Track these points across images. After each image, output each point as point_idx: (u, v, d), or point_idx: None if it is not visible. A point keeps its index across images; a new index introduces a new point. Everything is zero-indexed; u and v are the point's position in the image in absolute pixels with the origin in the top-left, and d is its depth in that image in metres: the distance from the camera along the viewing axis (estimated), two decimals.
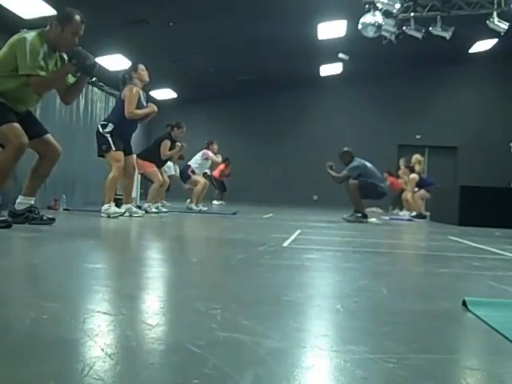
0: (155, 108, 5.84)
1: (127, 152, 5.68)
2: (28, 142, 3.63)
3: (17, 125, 3.62)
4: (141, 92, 5.79)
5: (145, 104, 5.83)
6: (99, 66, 4.00)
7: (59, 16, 3.80)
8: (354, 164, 7.20)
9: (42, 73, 3.67)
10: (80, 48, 3.86)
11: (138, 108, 5.68)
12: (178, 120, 8.03)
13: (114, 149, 5.50)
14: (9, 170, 3.69)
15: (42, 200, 6.21)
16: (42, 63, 3.68)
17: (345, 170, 7.26)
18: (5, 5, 9.17)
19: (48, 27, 3.79)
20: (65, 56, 3.95)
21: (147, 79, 5.93)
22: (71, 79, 3.99)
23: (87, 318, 1.22)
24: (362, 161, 7.27)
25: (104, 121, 5.79)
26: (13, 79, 3.63)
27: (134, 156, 6.02)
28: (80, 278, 1.89)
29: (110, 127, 5.56)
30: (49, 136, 3.99)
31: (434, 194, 9.70)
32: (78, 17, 3.81)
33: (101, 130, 5.60)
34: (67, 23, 3.77)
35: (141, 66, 5.88)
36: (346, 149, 7.44)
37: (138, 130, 6.06)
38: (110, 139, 5.51)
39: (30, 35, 3.65)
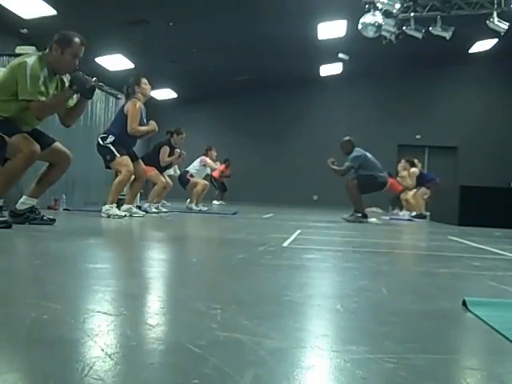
0: (156, 127, 5.88)
1: (134, 158, 5.70)
2: (39, 150, 3.63)
3: (26, 135, 3.63)
4: (142, 107, 5.82)
5: (145, 121, 5.86)
6: (97, 85, 4.02)
7: (59, 39, 3.79)
8: (354, 154, 7.20)
9: (42, 98, 3.67)
10: (80, 73, 3.85)
11: (139, 123, 5.71)
12: (178, 121, 8.04)
13: (118, 155, 5.51)
14: (17, 177, 3.69)
15: (42, 200, 6.19)
16: (42, 88, 3.67)
17: (346, 162, 7.26)
18: (5, 5, 9.18)
19: (47, 50, 3.78)
20: (65, 79, 3.95)
21: (150, 94, 5.97)
22: (71, 102, 4.00)
23: (87, 317, 1.22)
24: (362, 150, 7.28)
25: (104, 133, 5.79)
26: (13, 103, 3.63)
27: (140, 160, 6.04)
28: (80, 277, 1.89)
29: (110, 139, 5.58)
30: (57, 144, 4.01)
31: (434, 194, 9.70)
32: (77, 39, 3.81)
33: (101, 142, 5.61)
34: (67, 46, 3.77)
35: (144, 80, 5.89)
36: (347, 138, 7.45)
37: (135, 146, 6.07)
38: (112, 148, 5.53)
39: (31, 59, 3.65)
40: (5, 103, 3.63)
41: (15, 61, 3.71)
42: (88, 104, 4.46)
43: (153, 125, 5.87)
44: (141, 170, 5.85)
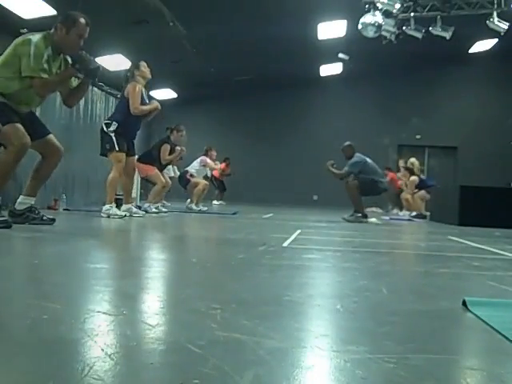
0: (159, 105, 5.84)
1: (130, 153, 5.69)
2: (30, 142, 3.64)
3: (19, 125, 3.63)
4: (143, 89, 5.79)
5: (147, 102, 5.84)
6: (102, 68, 4.01)
7: (64, 19, 3.82)
8: (354, 160, 7.21)
9: (45, 75, 3.68)
10: (83, 52, 3.88)
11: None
12: (178, 121, 8.04)
13: (117, 149, 5.50)
14: (10, 171, 3.70)
15: (42, 200, 6.20)
16: (45, 66, 3.69)
17: (346, 166, 7.28)
18: (5, 5, 9.17)
19: (53, 30, 3.80)
20: (68, 59, 3.97)
21: (149, 76, 5.92)
22: (74, 82, 4.01)
23: (87, 317, 1.22)
24: (363, 156, 7.29)
25: (108, 119, 5.78)
26: (16, 81, 3.65)
27: (135, 157, 6.02)
28: (80, 277, 1.89)
29: (113, 126, 5.56)
30: (51, 137, 4.01)
31: (434, 195, 9.70)
32: (82, 19, 3.84)
33: (105, 128, 5.60)
34: (72, 26, 3.79)
35: (143, 63, 5.88)
36: (348, 143, 7.47)
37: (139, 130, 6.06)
38: (114, 139, 5.51)
39: (35, 37, 3.67)
40: (8, 80, 3.65)
41: (19, 38, 3.71)
42: (90, 86, 4.47)
43: (155, 104, 5.83)
44: (130, 166, 5.79)
